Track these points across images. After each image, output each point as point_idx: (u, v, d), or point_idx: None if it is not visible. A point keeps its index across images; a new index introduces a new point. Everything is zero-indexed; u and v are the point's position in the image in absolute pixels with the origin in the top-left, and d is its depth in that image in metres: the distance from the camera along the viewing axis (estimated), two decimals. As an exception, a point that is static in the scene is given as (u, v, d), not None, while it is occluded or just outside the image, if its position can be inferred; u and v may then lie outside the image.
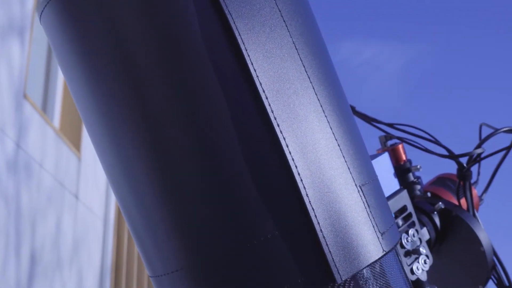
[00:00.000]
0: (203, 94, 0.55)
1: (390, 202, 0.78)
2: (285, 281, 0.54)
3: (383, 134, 0.90)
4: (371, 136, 0.91)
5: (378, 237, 0.58)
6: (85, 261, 7.10)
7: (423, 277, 0.80)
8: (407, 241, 0.78)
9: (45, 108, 6.62)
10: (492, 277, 0.89)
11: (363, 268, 0.57)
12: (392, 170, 0.82)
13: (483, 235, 0.87)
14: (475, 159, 0.87)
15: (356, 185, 0.58)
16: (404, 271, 0.65)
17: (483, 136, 0.94)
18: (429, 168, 1.04)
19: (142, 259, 0.63)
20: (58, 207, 6.24)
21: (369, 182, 0.61)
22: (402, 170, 0.88)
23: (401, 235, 0.78)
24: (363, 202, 0.58)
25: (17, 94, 5.33)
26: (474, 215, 0.89)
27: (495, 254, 0.88)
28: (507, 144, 0.96)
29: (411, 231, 0.79)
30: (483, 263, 0.86)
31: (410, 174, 0.88)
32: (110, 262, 7.95)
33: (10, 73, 5.21)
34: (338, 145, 0.59)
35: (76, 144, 6.99)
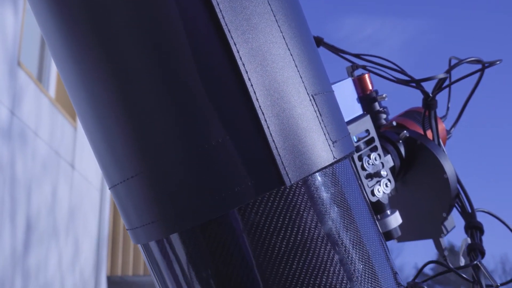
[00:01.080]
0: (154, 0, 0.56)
1: (352, 125, 0.79)
2: (236, 184, 0.55)
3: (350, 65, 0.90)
4: (341, 70, 0.91)
5: (329, 145, 0.59)
6: (81, 230, 7.15)
7: (384, 199, 0.81)
8: (369, 163, 0.79)
9: (40, 77, 6.61)
10: (456, 205, 0.90)
11: (313, 173, 0.58)
12: (355, 95, 0.83)
13: (447, 163, 0.88)
14: (440, 87, 0.88)
15: (308, 93, 0.59)
16: (361, 185, 0.66)
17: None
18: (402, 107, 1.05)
19: (102, 172, 0.64)
20: (53, 175, 6.26)
21: (322, 93, 0.62)
22: (368, 100, 0.89)
23: (362, 159, 0.79)
24: (315, 111, 0.59)
25: (11, 62, 5.31)
26: (439, 144, 0.90)
27: (459, 182, 0.89)
28: (478, 82, 0.97)
29: (373, 155, 0.80)
30: (447, 190, 0.87)
31: (376, 104, 0.89)
32: (106, 232, 8.00)
33: (4, 40, 5.19)
34: (291, 54, 0.59)
35: (72, 113, 6.99)
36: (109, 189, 0.63)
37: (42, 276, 5.82)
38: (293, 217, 0.57)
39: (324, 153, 0.58)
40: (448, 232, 0.92)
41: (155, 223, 0.58)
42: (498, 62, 0.88)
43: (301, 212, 0.57)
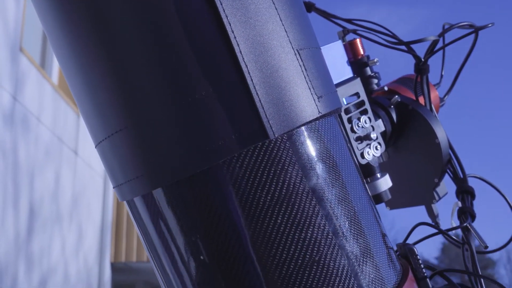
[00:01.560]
0: None
1: (341, 88, 0.78)
2: (220, 137, 0.55)
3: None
4: (334, 37, 0.91)
5: (314, 99, 0.59)
6: (84, 217, 7.17)
7: (374, 162, 0.81)
8: (358, 126, 0.79)
9: (43, 64, 6.61)
10: (448, 171, 0.89)
11: (298, 127, 0.57)
12: (345, 58, 0.82)
13: (439, 128, 0.87)
14: (431, 50, 0.87)
15: (292, 48, 0.59)
16: (349, 146, 0.66)
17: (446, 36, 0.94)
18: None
19: (88, 130, 0.64)
20: (56, 161, 6.27)
21: (307, 48, 0.61)
22: (359, 64, 0.88)
23: (352, 121, 0.79)
24: (300, 66, 0.59)
25: (13, 47, 5.32)
26: (431, 109, 0.89)
27: (451, 148, 0.88)
28: (472, 48, 0.96)
29: (363, 118, 0.80)
30: (438, 155, 0.87)
31: (368, 68, 0.88)
32: (110, 218, 8.03)
33: (5, 26, 5.19)
34: (276, 8, 0.59)
35: (75, 101, 7.00)
36: (96, 147, 0.63)
37: (45, 262, 5.85)
38: (278, 171, 0.56)
39: (309, 107, 0.58)
40: (440, 198, 0.91)
41: (140, 177, 0.58)
42: (490, 25, 0.87)
43: (286, 167, 0.57)
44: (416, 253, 0.75)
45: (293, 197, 0.57)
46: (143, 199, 0.60)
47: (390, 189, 0.92)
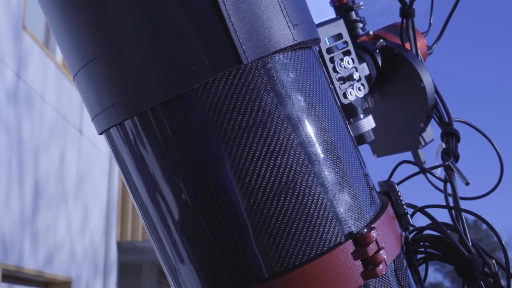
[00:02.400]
0: None
1: (323, 28, 0.78)
2: (193, 62, 0.55)
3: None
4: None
5: (289, 27, 0.58)
6: (90, 196, 7.20)
7: (357, 103, 0.81)
8: (341, 66, 0.78)
9: (47, 43, 6.61)
10: (434, 116, 0.89)
11: (272, 54, 0.57)
12: (327, 0, 0.82)
13: (425, 72, 0.87)
14: None
15: None
16: (329, 79, 0.65)
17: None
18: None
19: (66, 63, 0.64)
20: (61, 140, 6.29)
21: None
22: (344, 9, 0.87)
23: (334, 61, 0.78)
24: None
25: (15, 25, 5.31)
26: (416, 54, 0.89)
27: (436, 92, 0.88)
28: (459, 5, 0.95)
29: (346, 59, 0.79)
30: (424, 99, 0.86)
31: (353, 13, 0.88)
32: (116, 198, 8.07)
33: (8, 2, 5.18)
34: None
35: (79, 80, 7.00)
36: (73, 80, 0.63)
37: (51, 239, 5.89)
38: (253, 97, 0.56)
39: (283, 34, 0.58)
40: (426, 143, 0.91)
41: (115, 105, 0.58)
42: None
43: (261, 93, 0.57)
44: (397, 189, 0.75)
45: (268, 124, 0.57)
46: (120, 129, 0.60)
47: (377, 136, 0.92)
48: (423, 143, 0.90)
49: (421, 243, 0.78)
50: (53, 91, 6.14)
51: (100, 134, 0.64)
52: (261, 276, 0.60)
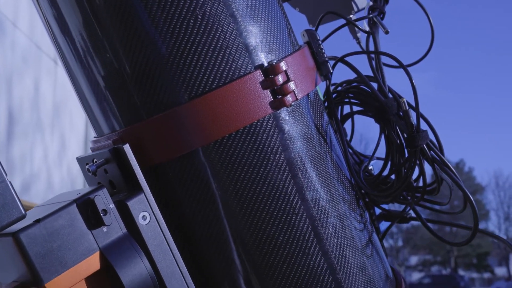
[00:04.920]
0: None
1: None
2: None
3: None
4: None
5: None
6: (67, 127, 7.18)
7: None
8: None
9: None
10: None
11: None
12: None
13: None
14: None
15: None
16: None
17: None
18: None
19: None
20: (35, 69, 6.22)
21: None
22: None
23: None
24: None
25: None
26: None
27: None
28: None
29: None
30: None
31: None
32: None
33: None
34: None
35: (53, 9, 6.86)
36: None
37: (27, 168, 5.90)
38: None
39: None
40: (358, 10, 0.91)
41: None
42: None
43: None
44: (318, 37, 0.76)
45: None
46: None
47: (311, 4, 0.92)
48: (355, 9, 0.91)
49: (346, 95, 0.80)
50: (25, 18, 6.02)
51: None
52: (171, 102, 0.62)
